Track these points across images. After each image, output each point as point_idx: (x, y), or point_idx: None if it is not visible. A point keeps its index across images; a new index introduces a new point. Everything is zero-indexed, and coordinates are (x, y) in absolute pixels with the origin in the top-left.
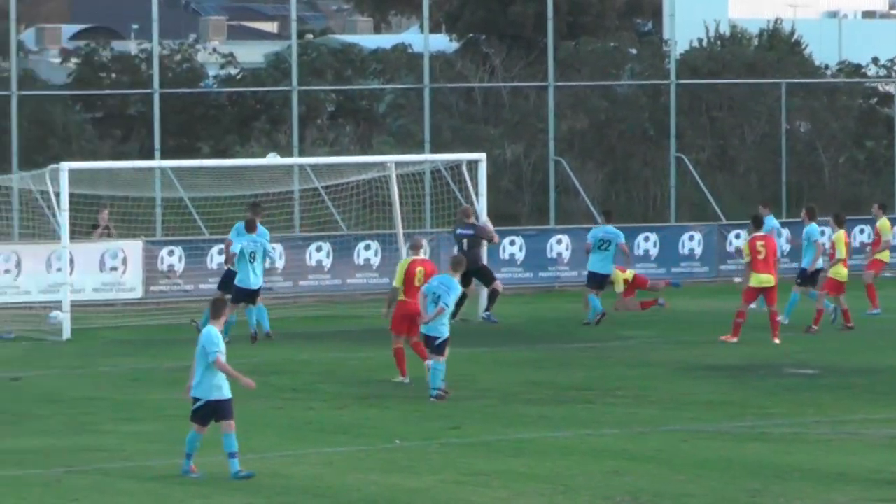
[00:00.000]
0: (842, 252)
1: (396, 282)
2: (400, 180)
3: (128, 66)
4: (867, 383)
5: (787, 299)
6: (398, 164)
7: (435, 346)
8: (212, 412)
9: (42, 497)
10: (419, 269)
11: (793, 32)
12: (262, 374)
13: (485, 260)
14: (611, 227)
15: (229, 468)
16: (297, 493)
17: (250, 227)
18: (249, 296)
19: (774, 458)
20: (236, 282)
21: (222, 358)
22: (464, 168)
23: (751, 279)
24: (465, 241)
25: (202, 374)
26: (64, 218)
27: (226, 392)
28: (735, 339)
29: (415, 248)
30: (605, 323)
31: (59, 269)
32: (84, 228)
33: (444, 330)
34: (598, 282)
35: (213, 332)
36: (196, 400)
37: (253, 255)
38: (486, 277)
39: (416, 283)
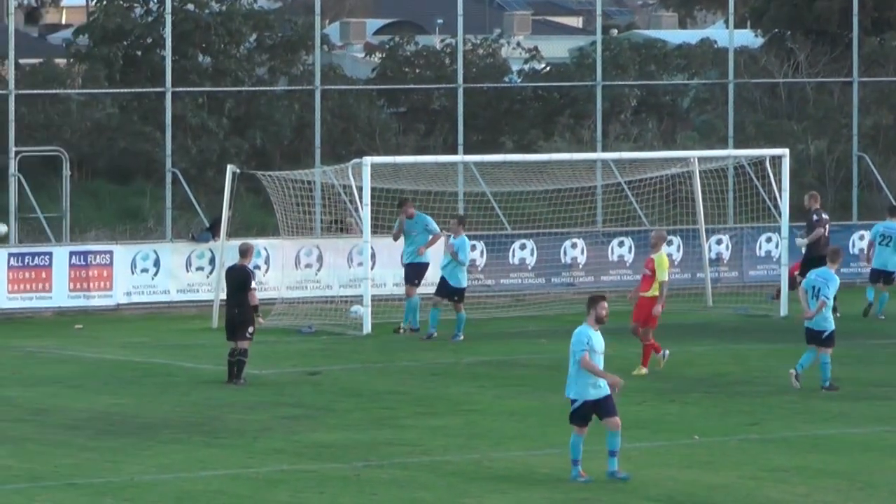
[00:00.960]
0: None
1: (665, 276)
2: (703, 175)
3: (432, 60)
4: None
5: None
6: (701, 160)
7: (822, 339)
8: (589, 412)
9: (341, 491)
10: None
11: None
12: (563, 368)
13: None
14: (892, 223)
15: (608, 466)
16: (595, 488)
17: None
18: (458, 294)
19: None
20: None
21: (588, 356)
22: (767, 164)
23: None
24: (827, 226)
25: (575, 373)
26: (366, 213)
27: (604, 390)
28: None
29: (665, 240)
30: None
31: (360, 264)
32: (383, 222)
33: (827, 324)
34: (879, 277)
35: (584, 331)
36: (573, 401)
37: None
38: None
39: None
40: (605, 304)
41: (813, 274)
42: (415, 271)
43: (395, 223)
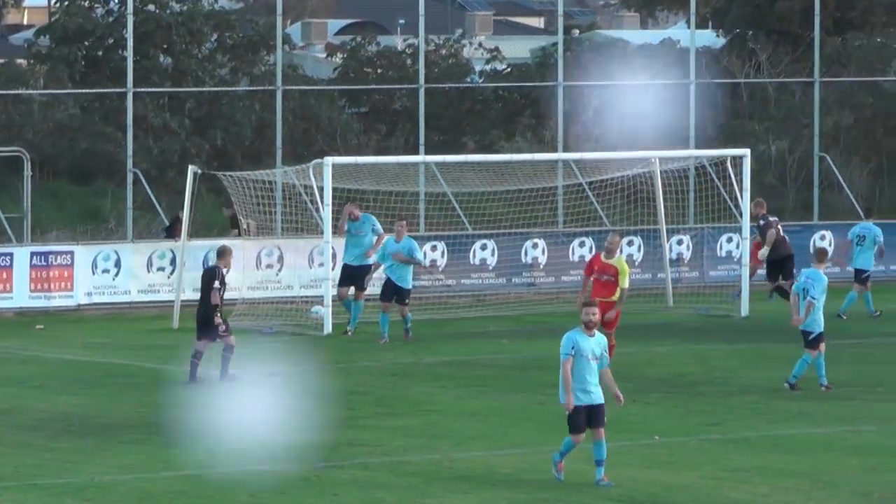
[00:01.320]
0: None
1: (627, 283)
2: (664, 176)
3: (394, 61)
4: None
5: None
6: (662, 160)
7: (808, 340)
8: (583, 418)
9: (302, 492)
10: None
11: None
12: (524, 368)
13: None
14: (869, 223)
15: (595, 474)
16: (557, 488)
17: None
18: (406, 295)
19: None
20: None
21: (570, 363)
22: (728, 164)
23: None
24: (778, 226)
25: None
26: (327, 213)
27: (596, 396)
28: None
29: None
30: (866, 319)
31: (321, 265)
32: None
33: (815, 325)
34: (857, 277)
35: (570, 335)
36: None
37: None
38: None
39: None
40: (591, 310)
41: (803, 276)
42: (363, 274)
43: (339, 218)
